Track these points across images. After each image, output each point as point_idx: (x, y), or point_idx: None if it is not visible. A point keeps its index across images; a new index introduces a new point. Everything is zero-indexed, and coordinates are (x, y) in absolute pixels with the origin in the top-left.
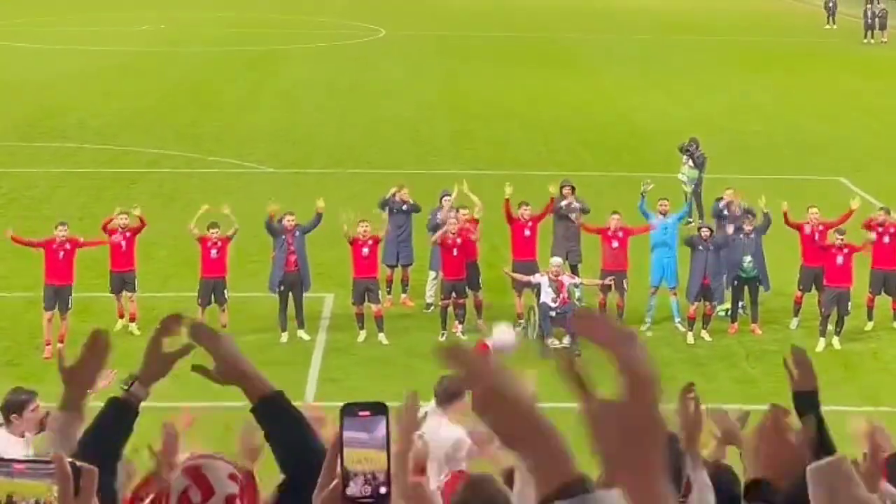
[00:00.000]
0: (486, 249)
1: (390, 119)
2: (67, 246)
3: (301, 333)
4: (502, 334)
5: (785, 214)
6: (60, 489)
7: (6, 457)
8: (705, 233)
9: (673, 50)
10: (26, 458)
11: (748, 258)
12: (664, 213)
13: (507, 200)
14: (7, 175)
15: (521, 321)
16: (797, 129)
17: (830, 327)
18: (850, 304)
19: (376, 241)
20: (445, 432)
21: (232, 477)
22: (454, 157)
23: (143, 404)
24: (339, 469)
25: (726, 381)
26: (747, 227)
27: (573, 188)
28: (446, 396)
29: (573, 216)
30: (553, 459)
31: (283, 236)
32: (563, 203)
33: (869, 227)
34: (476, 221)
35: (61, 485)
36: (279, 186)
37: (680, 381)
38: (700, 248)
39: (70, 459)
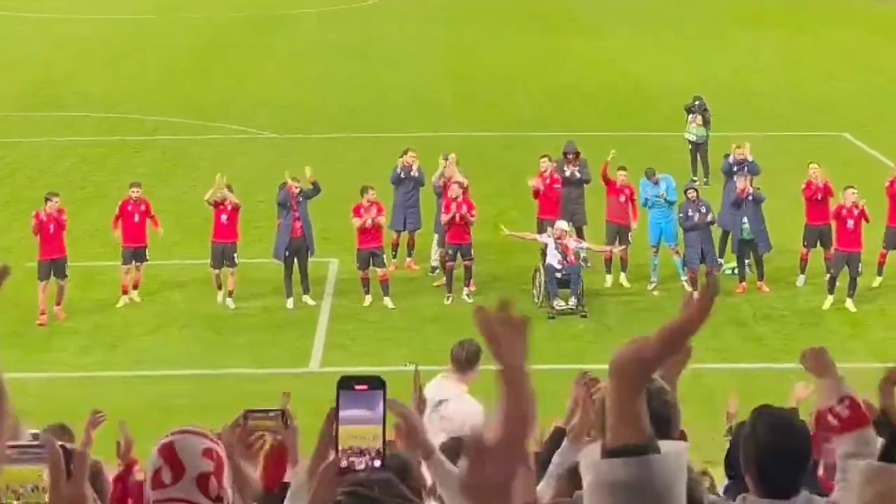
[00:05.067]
0: (493, 213)
1: (394, 83)
2: (56, 216)
3: (306, 299)
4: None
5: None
6: (52, 473)
7: None
8: (691, 194)
9: (677, 8)
10: (16, 444)
11: (745, 222)
12: (655, 183)
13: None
14: (10, 145)
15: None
16: (802, 86)
17: (840, 284)
18: (860, 265)
19: (380, 210)
20: (469, 406)
21: (206, 454)
22: (458, 121)
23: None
24: (334, 443)
25: (734, 339)
26: (741, 184)
27: (577, 154)
28: (467, 362)
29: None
30: (632, 419)
31: (289, 203)
32: (567, 174)
33: (893, 186)
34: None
35: (53, 469)
36: (283, 152)
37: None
38: (691, 217)
39: (60, 443)
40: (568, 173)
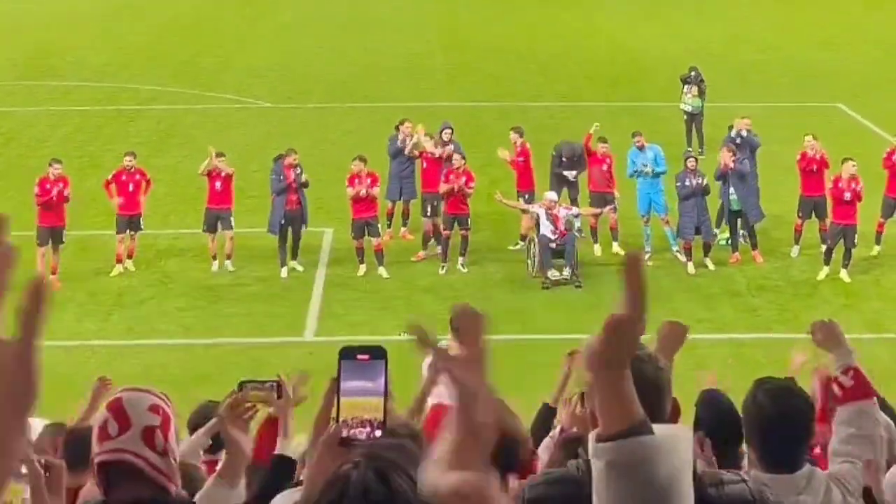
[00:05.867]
0: (485, 183)
1: (388, 53)
2: (60, 185)
3: (294, 264)
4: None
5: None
6: (34, 489)
7: None
8: (691, 163)
9: None
10: None
11: (733, 192)
12: (641, 148)
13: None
14: (6, 114)
15: (522, 243)
16: (796, 57)
17: (835, 255)
18: (856, 237)
19: (374, 180)
20: None
21: (153, 409)
22: (451, 91)
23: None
24: (335, 414)
25: (728, 310)
26: (723, 158)
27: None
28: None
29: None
30: (618, 407)
31: (283, 175)
32: (565, 173)
33: (890, 158)
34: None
35: (35, 484)
36: (277, 121)
37: (682, 312)
38: (687, 186)
39: (38, 458)
40: (566, 173)
